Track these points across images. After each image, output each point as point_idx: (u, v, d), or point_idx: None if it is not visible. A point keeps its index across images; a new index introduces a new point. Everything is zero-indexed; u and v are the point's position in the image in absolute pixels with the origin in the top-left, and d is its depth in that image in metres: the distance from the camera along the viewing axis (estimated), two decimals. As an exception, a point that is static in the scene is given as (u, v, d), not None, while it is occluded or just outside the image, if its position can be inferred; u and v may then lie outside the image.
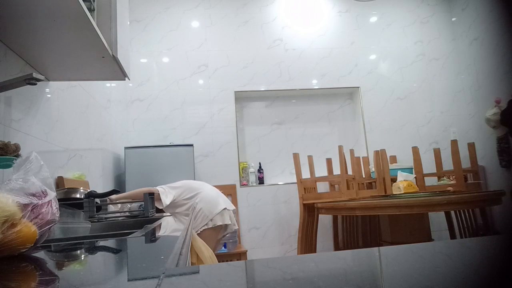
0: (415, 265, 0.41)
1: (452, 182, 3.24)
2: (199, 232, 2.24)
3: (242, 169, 3.89)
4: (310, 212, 3.39)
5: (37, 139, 1.66)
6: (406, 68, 4.24)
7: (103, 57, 1.59)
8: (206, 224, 2.29)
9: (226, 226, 2.36)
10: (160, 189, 2.25)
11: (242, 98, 4.07)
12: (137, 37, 3.87)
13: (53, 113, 1.87)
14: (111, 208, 1.97)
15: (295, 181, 3.44)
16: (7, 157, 1.13)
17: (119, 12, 1.69)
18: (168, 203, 2.24)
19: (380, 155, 3.24)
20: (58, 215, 0.71)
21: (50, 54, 1.52)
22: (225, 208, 2.35)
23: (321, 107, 4.23)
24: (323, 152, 4.04)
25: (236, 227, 2.48)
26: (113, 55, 1.60)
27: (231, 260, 3.15)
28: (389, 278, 0.36)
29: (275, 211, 3.80)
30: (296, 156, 3.44)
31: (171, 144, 3.49)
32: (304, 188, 3.41)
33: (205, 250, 1.94)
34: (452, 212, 3.44)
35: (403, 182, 2.88)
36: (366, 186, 3.56)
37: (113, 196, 2.06)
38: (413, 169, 3.18)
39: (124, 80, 1.91)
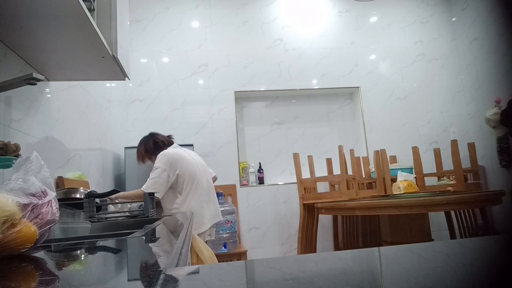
0: (415, 265, 0.41)
1: (452, 182, 3.24)
2: None
3: (242, 169, 3.89)
4: (310, 212, 3.39)
5: (37, 139, 1.66)
6: (406, 68, 4.24)
7: (103, 57, 1.59)
8: None
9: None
10: (154, 187, 2.18)
11: (242, 98, 4.07)
12: (137, 37, 3.87)
13: (53, 113, 1.87)
14: (111, 208, 1.97)
15: (295, 181, 3.44)
16: (7, 157, 1.13)
17: (119, 12, 1.69)
18: (163, 194, 2.19)
19: (380, 155, 3.24)
20: (58, 215, 0.71)
21: (50, 54, 1.52)
22: (206, 230, 2.24)
23: (321, 107, 4.23)
24: (323, 152, 4.04)
25: (213, 238, 2.41)
26: (113, 55, 1.60)
27: (231, 260, 3.15)
28: (389, 278, 0.36)
29: (275, 211, 3.80)
30: (296, 156, 3.44)
31: (171, 144, 3.48)
32: (304, 188, 3.41)
33: (205, 250, 1.93)
34: (452, 212, 3.45)
35: (403, 182, 2.88)
36: (366, 186, 3.56)
37: (113, 196, 2.03)
38: (413, 169, 3.18)
39: (124, 80, 1.91)
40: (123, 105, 3.63)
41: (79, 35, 1.37)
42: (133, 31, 3.82)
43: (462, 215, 3.30)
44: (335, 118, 4.24)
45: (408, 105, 4.16)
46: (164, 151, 2.31)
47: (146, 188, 2.13)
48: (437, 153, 3.21)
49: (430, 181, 3.38)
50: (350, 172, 3.44)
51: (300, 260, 0.49)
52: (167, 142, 2.47)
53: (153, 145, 2.41)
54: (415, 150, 3.16)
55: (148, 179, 2.19)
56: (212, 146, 3.81)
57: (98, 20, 1.60)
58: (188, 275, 0.45)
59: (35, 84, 1.18)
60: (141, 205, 1.94)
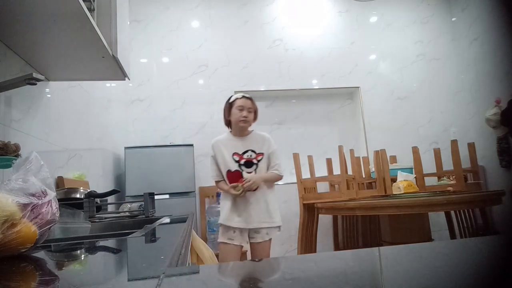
0: (415, 265, 0.41)
1: (452, 182, 3.24)
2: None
3: (242, 169, 3.88)
4: (310, 212, 3.39)
5: (37, 139, 1.66)
6: (406, 68, 4.24)
7: (103, 57, 1.59)
8: None
9: None
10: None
11: (242, 98, 4.06)
12: (137, 37, 3.86)
13: (53, 113, 1.87)
14: (111, 208, 1.97)
15: (295, 181, 3.44)
16: (7, 157, 1.13)
17: (119, 12, 1.69)
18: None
19: (380, 155, 3.23)
20: (58, 215, 0.71)
21: (50, 54, 1.52)
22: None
23: (321, 107, 4.22)
24: (323, 152, 4.04)
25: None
26: (113, 55, 1.60)
27: (231, 260, 3.14)
28: (389, 278, 0.36)
29: (275, 211, 3.79)
30: (296, 156, 3.43)
31: (171, 144, 3.48)
32: (304, 188, 3.40)
33: (205, 250, 1.93)
34: (452, 212, 3.44)
35: (403, 182, 2.88)
36: (366, 186, 3.56)
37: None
38: (413, 169, 3.18)
39: (124, 80, 1.91)
40: (123, 105, 3.63)
41: (79, 35, 1.37)
42: (133, 31, 3.82)
43: (462, 215, 3.30)
44: (335, 118, 4.24)
45: (408, 105, 4.16)
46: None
47: (282, 171, 2.37)
48: (437, 153, 3.21)
49: (430, 181, 3.38)
50: (350, 172, 3.43)
51: (300, 260, 0.49)
52: None
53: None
54: (415, 150, 3.16)
55: (278, 163, 2.39)
56: (212, 146, 3.80)
57: (98, 20, 1.60)
58: (188, 275, 0.45)
59: (35, 84, 1.18)
60: (141, 205, 1.94)
